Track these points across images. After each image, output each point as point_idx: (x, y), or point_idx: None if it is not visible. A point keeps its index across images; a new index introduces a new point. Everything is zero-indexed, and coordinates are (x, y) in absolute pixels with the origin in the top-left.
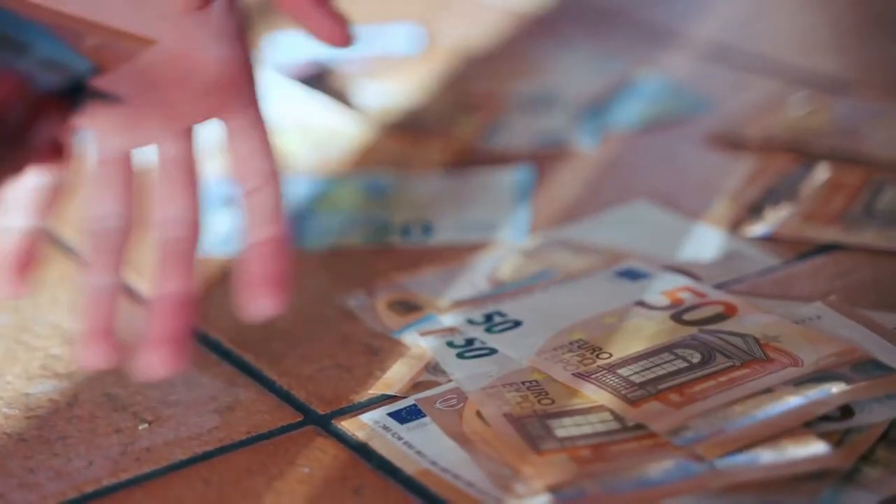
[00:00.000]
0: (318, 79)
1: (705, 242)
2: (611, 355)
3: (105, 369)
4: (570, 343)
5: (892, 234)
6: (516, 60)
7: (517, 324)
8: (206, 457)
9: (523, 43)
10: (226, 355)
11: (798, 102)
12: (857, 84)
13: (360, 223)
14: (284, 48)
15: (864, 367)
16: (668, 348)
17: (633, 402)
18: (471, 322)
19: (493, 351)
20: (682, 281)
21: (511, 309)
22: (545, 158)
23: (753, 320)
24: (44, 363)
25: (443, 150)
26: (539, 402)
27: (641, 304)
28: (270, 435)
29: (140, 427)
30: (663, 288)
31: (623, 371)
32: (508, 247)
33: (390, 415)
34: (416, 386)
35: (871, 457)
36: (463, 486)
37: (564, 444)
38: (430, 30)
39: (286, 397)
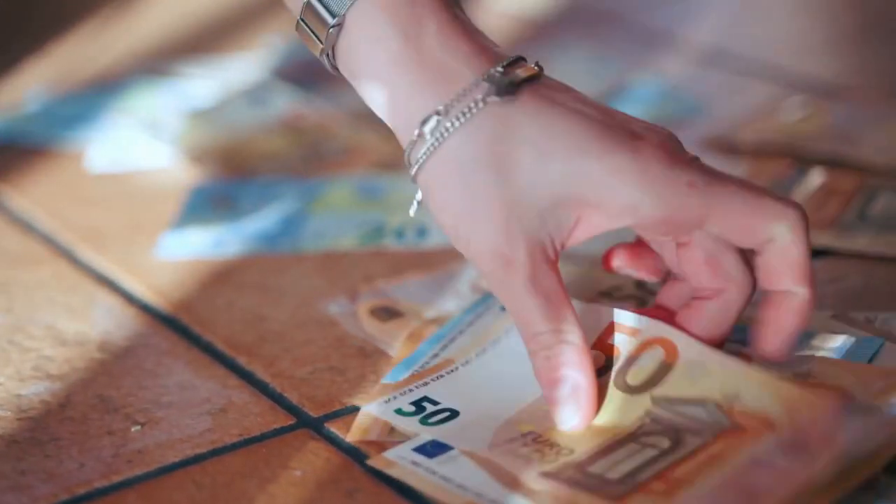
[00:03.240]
0: (313, 80)
1: None
2: (572, 451)
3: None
4: (522, 436)
5: (885, 241)
6: None
7: (453, 413)
8: (198, 459)
9: (519, 46)
10: (219, 357)
11: (793, 107)
12: (853, 88)
13: (354, 225)
14: (278, 49)
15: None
16: (632, 438)
17: (618, 499)
18: (400, 412)
19: (454, 412)
20: (606, 317)
21: (440, 395)
22: None
23: (699, 367)
24: (36, 364)
25: None
26: (559, 454)
27: None
28: (263, 437)
29: (132, 429)
30: (591, 336)
31: (594, 469)
32: None
33: (416, 450)
34: (394, 429)
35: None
36: None
37: (628, 484)
38: None
39: (279, 400)
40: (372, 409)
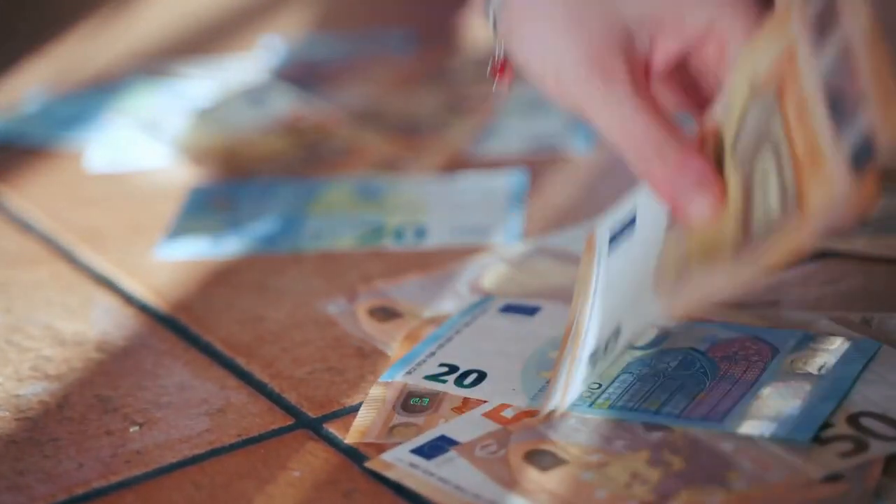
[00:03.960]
0: (312, 81)
1: None
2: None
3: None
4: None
5: (883, 242)
6: None
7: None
8: (196, 460)
9: None
10: (217, 358)
11: None
12: None
13: (353, 226)
14: (277, 50)
15: None
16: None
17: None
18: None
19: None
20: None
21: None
22: (539, 163)
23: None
24: (35, 364)
25: (436, 154)
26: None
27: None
28: (261, 438)
29: (131, 429)
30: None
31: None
32: (493, 255)
33: (413, 452)
34: (393, 430)
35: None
36: None
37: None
38: (425, 32)
39: (277, 400)
40: (398, 378)
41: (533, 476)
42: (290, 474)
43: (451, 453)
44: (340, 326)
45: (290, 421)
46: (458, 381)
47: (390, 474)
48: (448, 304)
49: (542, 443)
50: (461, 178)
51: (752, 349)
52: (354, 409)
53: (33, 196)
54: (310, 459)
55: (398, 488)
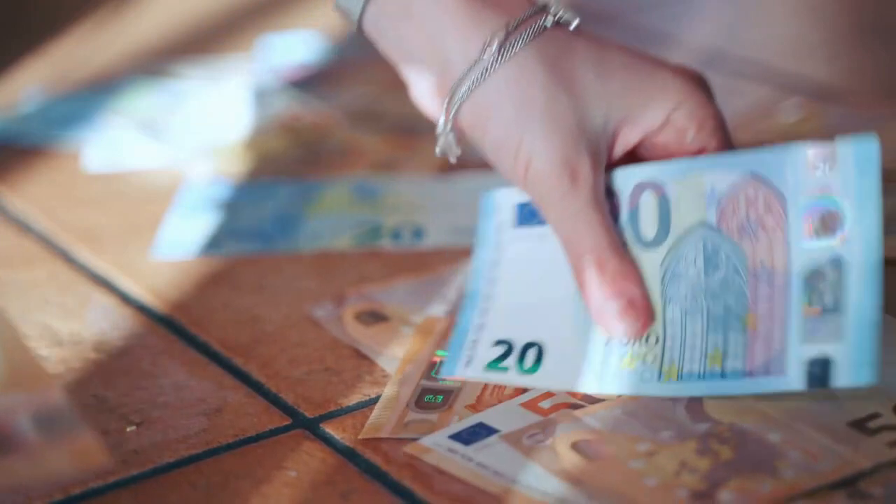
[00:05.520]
0: (310, 81)
1: None
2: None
3: None
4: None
5: (884, 243)
6: None
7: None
8: (193, 459)
9: None
10: (214, 357)
11: (789, 109)
12: (850, 91)
13: (350, 226)
14: (277, 50)
15: None
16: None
17: None
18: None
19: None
20: None
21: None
22: None
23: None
24: None
25: (434, 154)
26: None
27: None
28: (258, 438)
29: (128, 429)
30: None
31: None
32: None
33: (452, 437)
34: (408, 425)
35: None
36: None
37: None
38: None
39: (274, 400)
40: (464, 375)
41: (581, 464)
42: (287, 474)
43: (492, 439)
44: (327, 331)
45: (287, 421)
46: (520, 366)
47: (428, 459)
48: (436, 309)
49: (588, 433)
50: (459, 178)
51: (759, 202)
52: (352, 410)
53: (30, 196)
54: (307, 460)
55: (395, 488)
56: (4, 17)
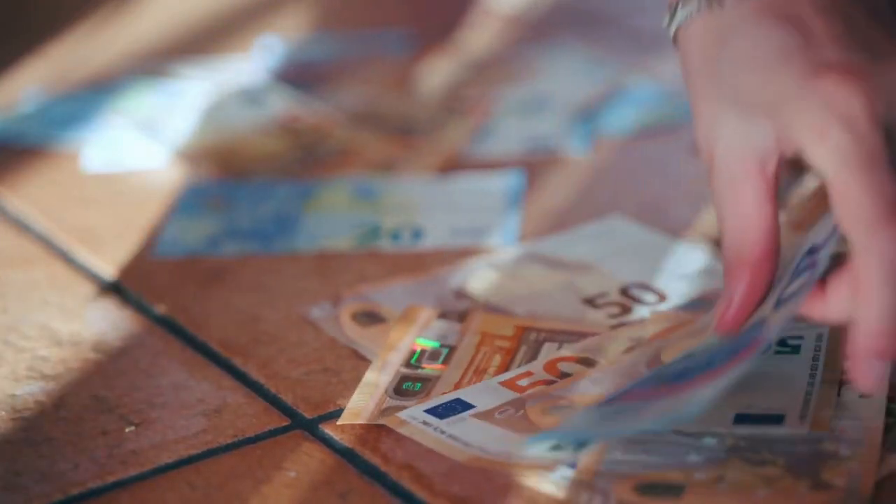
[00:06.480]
0: (310, 81)
1: (685, 257)
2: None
3: None
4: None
5: None
6: (508, 64)
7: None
8: (192, 460)
9: (515, 47)
10: (213, 358)
11: None
12: None
13: (349, 226)
14: (274, 50)
15: None
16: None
17: None
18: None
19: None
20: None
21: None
22: (536, 164)
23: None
24: (31, 364)
25: (433, 154)
26: None
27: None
28: (257, 439)
29: (127, 430)
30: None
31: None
32: (481, 260)
33: (428, 411)
34: (385, 411)
35: None
36: (521, 461)
37: None
38: (422, 33)
39: (273, 401)
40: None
41: (554, 424)
42: (286, 475)
43: (465, 415)
44: (324, 331)
45: (286, 422)
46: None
47: (403, 431)
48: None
49: (559, 400)
50: (458, 179)
51: None
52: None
53: (30, 196)
54: (306, 460)
55: (395, 489)
56: (4, 17)
